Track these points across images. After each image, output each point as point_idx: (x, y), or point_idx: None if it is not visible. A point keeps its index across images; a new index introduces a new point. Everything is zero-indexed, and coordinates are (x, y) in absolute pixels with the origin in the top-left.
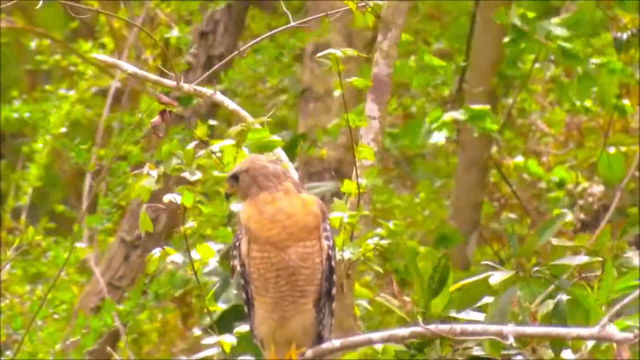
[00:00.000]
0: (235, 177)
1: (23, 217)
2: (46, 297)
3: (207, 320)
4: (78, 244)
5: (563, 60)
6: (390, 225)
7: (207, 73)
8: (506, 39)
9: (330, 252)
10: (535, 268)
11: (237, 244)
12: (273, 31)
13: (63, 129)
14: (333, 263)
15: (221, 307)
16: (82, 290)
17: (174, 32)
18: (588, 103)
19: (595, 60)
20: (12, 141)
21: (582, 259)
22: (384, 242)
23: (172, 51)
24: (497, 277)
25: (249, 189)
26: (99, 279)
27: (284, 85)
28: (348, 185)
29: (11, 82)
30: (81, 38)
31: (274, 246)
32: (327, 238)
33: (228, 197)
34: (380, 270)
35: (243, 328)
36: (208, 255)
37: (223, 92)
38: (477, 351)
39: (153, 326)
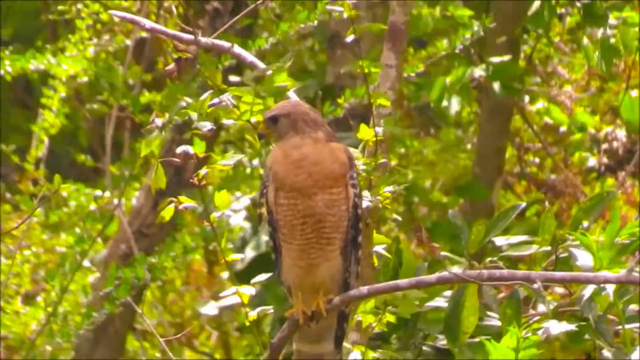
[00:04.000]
0: (274, 120)
1: (42, 167)
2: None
3: (234, 269)
4: (98, 193)
5: (583, 21)
6: (409, 174)
7: (233, 20)
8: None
9: (356, 199)
10: (489, 259)
11: (265, 191)
12: None
13: (85, 79)
14: (359, 211)
15: (239, 257)
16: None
17: None
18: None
19: (613, 21)
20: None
21: (532, 249)
22: (401, 188)
23: None
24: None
25: (285, 133)
26: (126, 228)
27: (310, 31)
28: (365, 132)
29: (33, 34)
30: None
31: (299, 193)
32: (353, 186)
33: (261, 137)
34: (399, 218)
35: (261, 278)
36: (225, 203)
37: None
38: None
39: (178, 274)
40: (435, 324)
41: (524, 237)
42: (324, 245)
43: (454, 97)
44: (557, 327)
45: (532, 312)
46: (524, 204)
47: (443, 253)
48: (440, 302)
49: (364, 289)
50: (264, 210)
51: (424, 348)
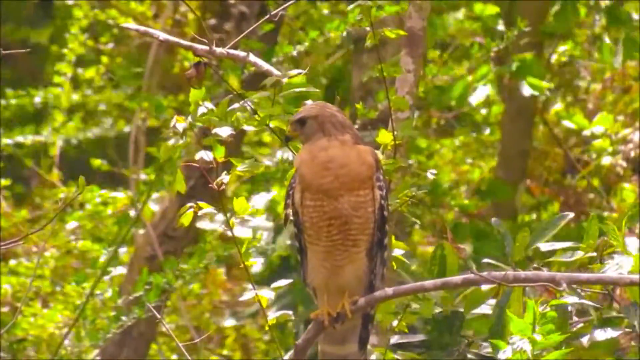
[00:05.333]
0: (301, 122)
1: (57, 170)
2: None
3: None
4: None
5: (609, 23)
6: (429, 175)
7: (251, 28)
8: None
9: (382, 202)
10: (534, 265)
11: (291, 192)
12: None
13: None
14: (385, 213)
15: (257, 261)
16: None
17: None
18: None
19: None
20: None
21: (578, 254)
22: (420, 192)
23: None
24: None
25: (313, 135)
26: (150, 231)
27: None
28: (384, 136)
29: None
30: None
31: (326, 195)
32: (380, 188)
33: (288, 140)
34: (417, 221)
35: (281, 283)
36: (244, 209)
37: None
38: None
39: (197, 277)
40: (479, 331)
41: (568, 244)
42: (350, 247)
43: (480, 87)
44: (603, 334)
45: (576, 319)
46: (571, 214)
47: (487, 259)
48: (485, 309)
49: (389, 290)
50: (289, 211)
51: (469, 356)
